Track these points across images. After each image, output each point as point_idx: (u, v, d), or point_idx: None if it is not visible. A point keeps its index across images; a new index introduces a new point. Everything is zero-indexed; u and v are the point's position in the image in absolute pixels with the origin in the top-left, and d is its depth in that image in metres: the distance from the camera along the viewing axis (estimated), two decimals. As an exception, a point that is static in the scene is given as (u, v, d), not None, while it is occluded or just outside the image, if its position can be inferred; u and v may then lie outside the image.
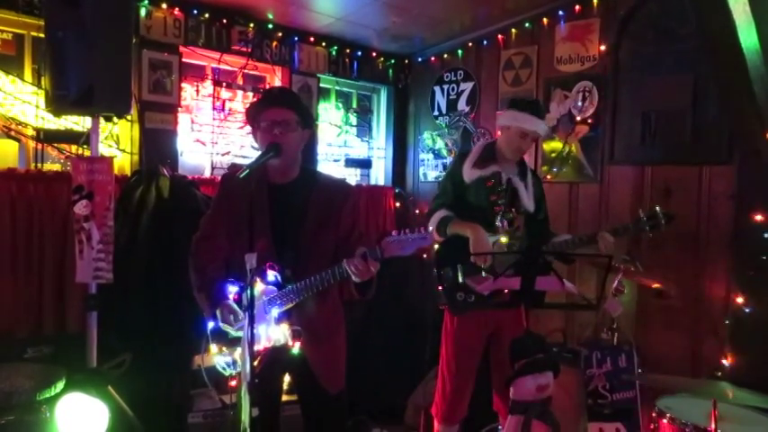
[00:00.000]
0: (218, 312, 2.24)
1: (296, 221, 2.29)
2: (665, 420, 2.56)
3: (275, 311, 2.21)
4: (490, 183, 2.90)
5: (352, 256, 2.13)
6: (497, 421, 3.09)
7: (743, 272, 3.27)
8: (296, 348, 2.22)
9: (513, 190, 2.93)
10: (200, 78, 4.04)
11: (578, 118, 4.02)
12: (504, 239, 2.83)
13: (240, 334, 2.20)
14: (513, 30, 4.37)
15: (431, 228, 2.90)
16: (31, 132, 3.32)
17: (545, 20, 4.18)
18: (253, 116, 2.33)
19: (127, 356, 3.01)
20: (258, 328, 2.10)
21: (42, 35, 2.87)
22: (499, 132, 3.05)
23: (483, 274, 2.72)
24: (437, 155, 4.96)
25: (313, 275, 2.18)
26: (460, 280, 2.75)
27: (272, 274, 2.21)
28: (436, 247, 3.03)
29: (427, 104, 5.01)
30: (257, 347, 2.09)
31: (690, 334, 3.49)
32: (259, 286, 2.17)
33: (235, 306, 2.23)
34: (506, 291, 2.50)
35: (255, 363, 1.98)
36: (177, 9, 3.76)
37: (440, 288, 2.86)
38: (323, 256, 2.28)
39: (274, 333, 2.20)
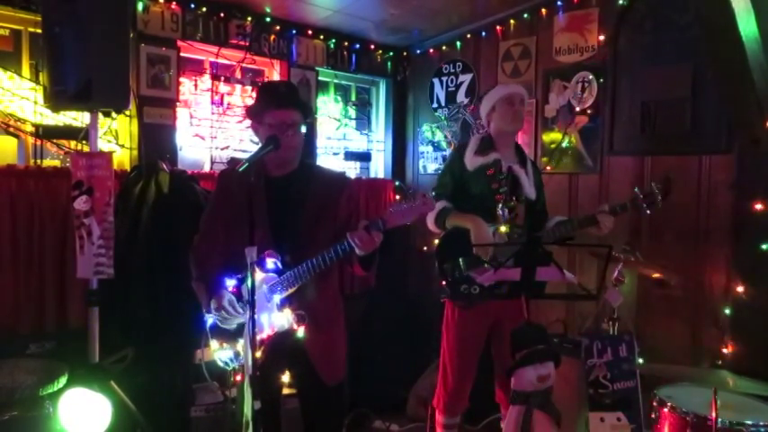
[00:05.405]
0: (212, 302, 2.25)
1: (293, 214, 2.30)
2: (665, 409, 2.57)
3: (277, 298, 2.21)
4: (491, 171, 2.91)
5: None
6: (499, 412, 3.10)
7: (743, 261, 3.27)
8: (300, 332, 2.22)
9: (513, 178, 2.93)
10: (199, 73, 4.03)
11: (577, 108, 4.01)
12: (503, 229, 2.83)
13: (229, 326, 2.22)
14: (512, 21, 4.35)
15: (429, 220, 2.90)
16: (29, 128, 3.31)
17: (543, 10, 4.16)
18: (257, 113, 2.33)
19: (129, 351, 3.02)
20: (261, 317, 2.10)
21: (40, 31, 2.86)
22: (489, 122, 3.04)
23: (485, 265, 2.72)
24: (436, 147, 4.96)
25: (313, 258, 2.19)
26: (464, 273, 2.75)
27: (271, 262, 2.20)
28: (437, 241, 3.03)
29: (426, 97, 5.00)
30: (261, 336, 2.10)
31: (690, 323, 3.50)
32: (258, 275, 2.17)
33: (232, 297, 2.25)
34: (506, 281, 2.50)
35: (259, 353, 1.98)
36: (174, 3, 3.74)
37: (443, 283, 2.86)
38: (320, 248, 2.27)
39: (278, 319, 2.20)
